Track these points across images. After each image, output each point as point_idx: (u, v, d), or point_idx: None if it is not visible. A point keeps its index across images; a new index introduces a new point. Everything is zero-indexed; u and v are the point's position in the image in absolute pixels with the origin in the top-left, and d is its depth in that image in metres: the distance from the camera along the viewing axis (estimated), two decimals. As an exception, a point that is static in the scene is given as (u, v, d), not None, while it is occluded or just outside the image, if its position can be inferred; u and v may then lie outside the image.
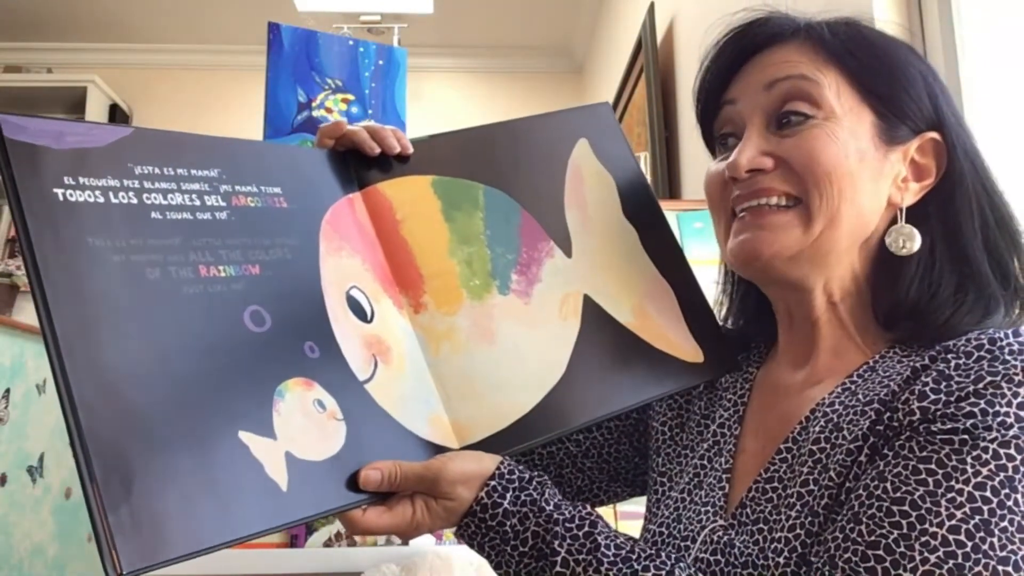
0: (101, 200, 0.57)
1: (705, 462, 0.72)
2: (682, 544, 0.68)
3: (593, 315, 0.75)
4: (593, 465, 0.86)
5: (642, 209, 0.83)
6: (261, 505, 0.53)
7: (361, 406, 0.62)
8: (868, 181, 0.65)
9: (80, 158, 0.58)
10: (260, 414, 0.56)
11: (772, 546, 0.59)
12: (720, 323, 0.82)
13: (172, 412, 0.53)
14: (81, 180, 0.57)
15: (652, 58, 2.34)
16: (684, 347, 0.76)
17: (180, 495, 0.51)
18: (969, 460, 0.52)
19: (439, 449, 0.64)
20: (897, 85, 0.66)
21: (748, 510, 0.64)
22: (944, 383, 0.56)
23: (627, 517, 1.56)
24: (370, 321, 0.67)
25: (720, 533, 0.65)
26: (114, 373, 0.52)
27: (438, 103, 3.84)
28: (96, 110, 3.61)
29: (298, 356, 0.61)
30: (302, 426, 0.58)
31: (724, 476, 0.69)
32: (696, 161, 2.06)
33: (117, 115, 3.71)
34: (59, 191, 0.55)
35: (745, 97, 0.69)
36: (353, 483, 0.59)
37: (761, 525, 0.62)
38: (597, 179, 0.82)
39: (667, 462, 0.78)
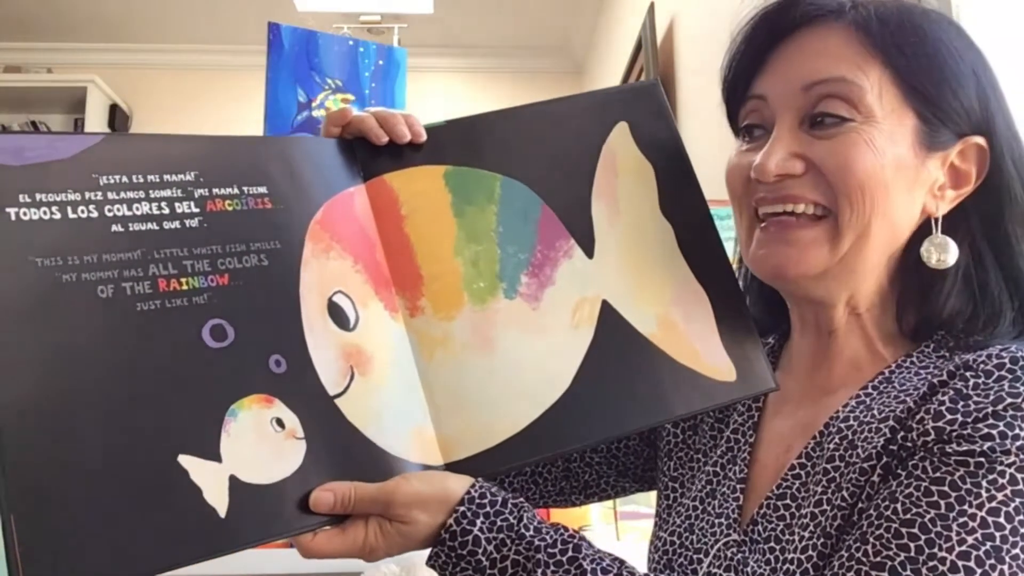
0: (58, 216, 0.55)
1: (719, 470, 0.70)
2: (694, 556, 0.66)
3: (610, 323, 0.68)
4: (602, 460, 0.84)
5: (683, 204, 0.74)
6: (194, 533, 0.51)
7: (327, 423, 0.59)
8: (903, 191, 0.61)
9: (40, 173, 0.56)
10: (206, 436, 0.54)
11: (784, 567, 0.58)
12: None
13: (103, 436, 0.51)
14: (38, 196, 0.55)
15: (652, 58, 2.34)
16: (714, 363, 0.69)
17: (100, 523, 0.49)
18: (984, 484, 0.50)
19: (417, 467, 0.61)
20: (946, 86, 0.61)
21: (760, 527, 0.62)
22: (961, 403, 0.54)
23: (627, 517, 1.56)
24: (352, 329, 0.63)
25: (734, 549, 0.63)
26: (45, 397, 0.50)
27: (438, 103, 3.84)
28: (96, 110, 3.61)
29: (260, 371, 0.58)
30: (253, 447, 0.55)
31: (738, 487, 0.66)
32: (696, 162, 2.06)
33: (117, 115, 3.71)
34: (12, 210, 0.54)
35: (776, 95, 0.64)
36: (307, 506, 0.56)
37: (773, 544, 0.60)
38: (634, 169, 0.74)
39: (679, 467, 0.75)
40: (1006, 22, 1.05)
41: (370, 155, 0.69)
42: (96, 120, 3.59)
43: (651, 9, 2.40)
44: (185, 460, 0.53)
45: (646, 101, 0.77)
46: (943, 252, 0.61)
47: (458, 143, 0.72)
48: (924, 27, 0.62)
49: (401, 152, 0.70)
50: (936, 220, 0.62)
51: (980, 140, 0.62)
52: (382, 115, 0.69)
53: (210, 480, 0.53)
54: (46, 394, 0.51)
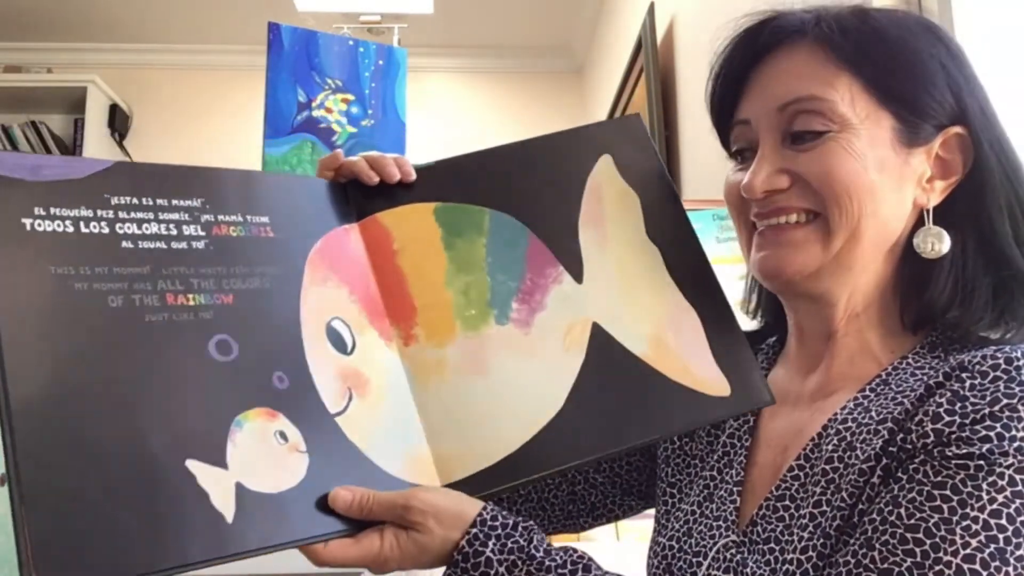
0: (71, 230, 0.58)
1: (715, 473, 0.71)
2: (693, 560, 0.67)
3: (601, 345, 0.70)
4: (605, 480, 0.85)
5: (668, 227, 0.77)
6: (201, 536, 0.53)
7: (328, 439, 0.61)
8: (890, 190, 0.63)
9: (55, 189, 0.59)
10: (213, 443, 0.56)
11: (784, 568, 0.58)
12: (749, 318, 0.79)
13: (113, 437, 0.53)
14: (52, 210, 0.58)
15: (652, 58, 2.34)
16: (707, 379, 0.70)
17: (110, 521, 0.50)
18: (984, 486, 0.51)
19: (412, 487, 0.62)
20: (917, 84, 0.63)
21: (760, 528, 0.63)
22: (959, 404, 0.54)
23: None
24: (350, 353, 0.65)
25: (733, 550, 0.64)
26: (57, 396, 0.52)
27: (438, 103, 3.84)
28: (96, 110, 3.60)
29: (264, 386, 0.60)
30: (259, 457, 0.57)
31: (735, 489, 0.67)
32: (696, 161, 2.06)
33: (117, 115, 3.70)
34: (27, 221, 0.56)
35: (756, 118, 0.67)
36: (312, 517, 0.57)
37: (773, 545, 0.61)
38: (619, 197, 0.77)
39: (676, 473, 0.76)
40: (1005, 12, 1.06)
41: (363, 196, 0.72)
42: (96, 120, 3.59)
43: (651, 9, 2.40)
44: (192, 465, 0.55)
45: (628, 133, 0.81)
46: (938, 242, 0.63)
47: (447, 181, 0.75)
48: (887, 30, 0.64)
49: (392, 192, 0.73)
50: (928, 211, 0.64)
51: (960, 129, 0.64)
52: (372, 157, 0.73)
53: (217, 486, 0.55)
54: (58, 394, 0.52)
